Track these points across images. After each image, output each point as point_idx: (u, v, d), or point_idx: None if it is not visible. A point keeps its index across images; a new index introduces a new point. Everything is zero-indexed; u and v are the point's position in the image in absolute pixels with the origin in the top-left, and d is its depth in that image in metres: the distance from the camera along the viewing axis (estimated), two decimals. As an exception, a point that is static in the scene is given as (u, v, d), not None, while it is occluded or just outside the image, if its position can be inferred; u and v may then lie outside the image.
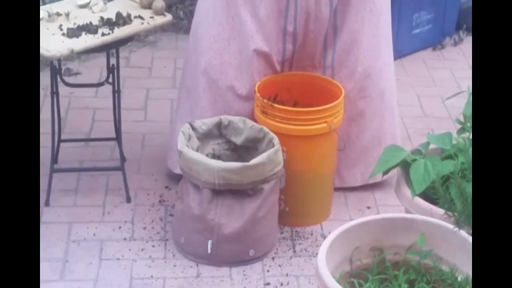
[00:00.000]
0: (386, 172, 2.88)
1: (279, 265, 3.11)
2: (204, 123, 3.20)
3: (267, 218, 3.09)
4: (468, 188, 2.19)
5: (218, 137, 3.23)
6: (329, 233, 2.55)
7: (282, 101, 3.33)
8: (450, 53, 4.85)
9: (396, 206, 2.99)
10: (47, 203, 3.35)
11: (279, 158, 3.05)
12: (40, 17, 3.17)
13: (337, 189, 3.47)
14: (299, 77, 3.36)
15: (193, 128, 3.17)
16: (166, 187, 3.51)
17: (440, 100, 4.19)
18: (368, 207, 3.46)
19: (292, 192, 3.25)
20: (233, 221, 3.03)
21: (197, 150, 3.12)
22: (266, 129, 3.13)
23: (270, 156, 3.00)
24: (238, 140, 3.20)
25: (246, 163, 2.96)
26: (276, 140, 3.07)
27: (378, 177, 3.31)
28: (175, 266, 3.09)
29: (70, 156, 3.66)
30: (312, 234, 3.28)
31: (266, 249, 3.14)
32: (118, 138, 3.47)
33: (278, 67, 3.30)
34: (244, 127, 3.18)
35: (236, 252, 3.07)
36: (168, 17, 3.32)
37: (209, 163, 2.96)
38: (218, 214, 3.02)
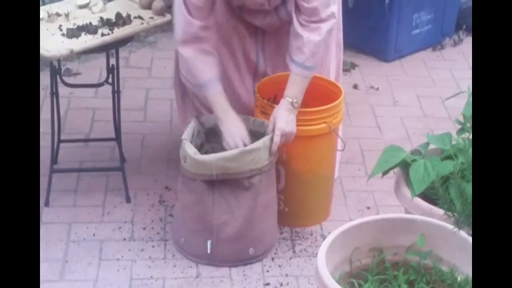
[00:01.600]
0: (385, 172, 2.87)
1: (279, 266, 3.11)
2: (211, 118, 3.20)
3: (265, 215, 3.09)
4: (468, 188, 2.19)
5: (219, 135, 3.23)
6: (329, 233, 2.55)
7: (282, 101, 3.33)
8: (449, 53, 4.85)
9: (396, 206, 2.99)
10: (47, 203, 3.35)
11: None
12: (40, 17, 3.17)
13: (336, 189, 3.47)
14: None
15: (200, 123, 3.16)
16: (166, 187, 3.51)
17: (440, 100, 4.19)
18: (368, 208, 3.46)
19: (292, 193, 3.25)
20: (232, 220, 3.03)
21: (201, 145, 3.15)
22: (267, 122, 3.13)
23: (266, 142, 3.01)
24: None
25: (243, 148, 2.98)
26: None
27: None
28: (174, 266, 3.09)
29: (70, 157, 3.66)
30: (311, 235, 3.28)
31: (265, 247, 3.14)
32: (117, 138, 3.47)
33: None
34: (246, 124, 3.19)
35: (236, 251, 3.07)
36: (168, 17, 3.33)
37: (204, 159, 2.96)
38: (216, 213, 3.02)
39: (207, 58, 3.09)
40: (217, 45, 3.17)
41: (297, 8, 3.04)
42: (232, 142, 3.08)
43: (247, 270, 3.08)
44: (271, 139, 3.04)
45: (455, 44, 4.92)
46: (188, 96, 3.41)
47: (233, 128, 3.10)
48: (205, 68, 3.09)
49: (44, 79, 3.64)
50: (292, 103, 3.07)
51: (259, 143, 3.01)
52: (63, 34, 3.12)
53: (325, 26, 3.04)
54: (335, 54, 3.46)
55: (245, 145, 3.07)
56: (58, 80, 3.41)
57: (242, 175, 2.99)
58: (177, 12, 3.05)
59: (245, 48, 3.29)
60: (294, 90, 3.08)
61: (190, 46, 3.06)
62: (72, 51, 3.05)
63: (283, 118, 3.05)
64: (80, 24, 3.18)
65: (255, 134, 3.17)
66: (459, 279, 2.39)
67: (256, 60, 3.33)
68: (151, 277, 3.03)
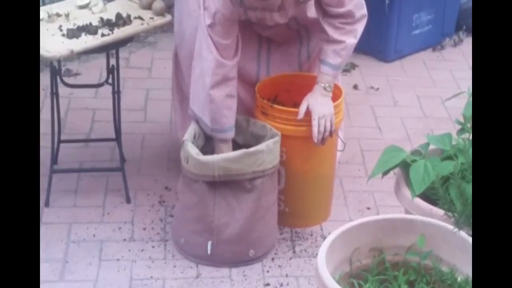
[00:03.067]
0: (386, 173, 2.87)
1: (279, 266, 3.11)
2: None
3: (266, 217, 3.09)
4: (468, 188, 2.19)
5: None
6: (329, 233, 2.55)
7: (282, 102, 3.34)
8: (450, 54, 4.85)
9: (396, 206, 2.99)
10: (47, 204, 3.35)
11: (278, 151, 3.06)
12: (40, 17, 3.17)
13: (336, 189, 3.47)
14: (299, 78, 3.36)
15: (201, 127, 3.17)
16: (166, 187, 3.51)
17: (440, 101, 4.19)
18: (368, 208, 3.46)
19: (292, 193, 3.25)
20: (233, 222, 3.03)
21: (203, 148, 3.14)
22: (268, 125, 3.13)
23: (269, 146, 3.01)
24: (241, 139, 3.20)
25: (246, 150, 2.98)
26: (277, 134, 3.07)
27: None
28: (175, 266, 3.09)
29: (70, 157, 3.66)
30: (311, 235, 3.28)
31: (266, 249, 3.14)
32: (118, 138, 3.47)
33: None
34: (247, 126, 3.19)
35: (236, 253, 3.07)
36: (168, 17, 3.33)
37: (207, 160, 2.96)
38: (217, 215, 3.02)
39: (232, 104, 3.10)
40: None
41: (327, 14, 3.05)
42: None
43: (247, 270, 3.08)
44: (276, 142, 3.04)
45: (455, 44, 4.92)
46: (188, 101, 3.40)
47: None
48: (228, 115, 3.09)
49: (44, 79, 3.64)
50: (325, 88, 3.09)
51: (262, 146, 3.00)
52: (63, 35, 3.12)
53: (359, 28, 3.11)
54: None
55: None
56: (58, 80, 3.41)
57: (244, 177, 2.99)
58: (206, 55, 3.03)
59: (245, 60, 3.29)
60: (326, 78, 3.11)
61: (220, 90, 3.05)
62: (72, 51, 3.05)
63: (318, 102, 3.07)
64: (80, 24, 3.18)
65: (255, 137, 3.17)
66: (459, 279, 2.39)
67: (257, 72, 3.32)
68: (151, 277, 3.03)
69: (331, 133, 3.09)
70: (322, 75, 3.12)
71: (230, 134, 3.13)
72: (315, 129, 3.05)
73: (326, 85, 3.10)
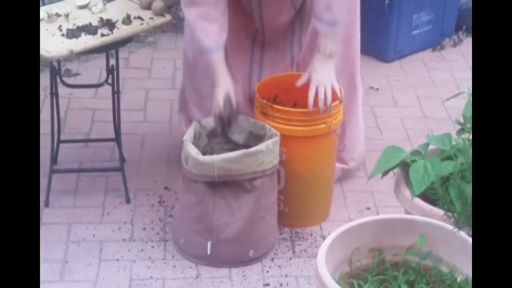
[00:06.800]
0: (385, 173, 2.87)
1: (279, 266, 3.11)
2: (211, 120, 3.20)
3: (266, 217, 3.09)
4: (468, 189, 2.19)
5: (220, 135, 3.23)
6: (329, 234, 2.55)
7: (281, 102, 3.34)
8: (449, 54, 4.85)
9: (396, 207, 2.99)
10: (46, 204, 3.35)
11: (277, 151, 3.06)
12: (40, 18, 3.17)
13: (336, 189, 3.47)
14: (299, 78, 3.36)
15: (202, 126, 3.17)
16: (166, 188, 3.51)
17: (440, 101, 4.19)
18: (368, 208, 3.46)
19: (292, 193, 3.26)
20: (233, 222, 3.03)
21: (204, 147, 3.14)
22: (268, 126, 3.13)
23: (269, 146, 3.01)
24: (241, 139, 3.20)
25: (246, 150, 2.98)
26: (276, 134, 3.07)
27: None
28: (174, 267, 3.09)
29: (70, 157, 3.66)
30: (311, 235, 3.28)
31: (265, 249, 3.14)
32: (117, 139, 3.47)
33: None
34: (247, 125, 3.19)
35: (236, 253, 3.07)
36: (168, 17, 3.33)
37: (207, 160, 2.96)
38: (217, 215, 3.02)
39: (205, 27, 3.06)
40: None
41: None
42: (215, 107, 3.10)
43: (247, 270, 3.08)
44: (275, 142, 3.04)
45: (455, 44, 4.92)
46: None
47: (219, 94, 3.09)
48: (202, 37, 3.08)
49: (44, 79, 3.64)
50: (323, 53, 3.06)
51: (262, 146, 3.01)
52: (63, 35, 3.12)
53: None
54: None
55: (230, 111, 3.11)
56: (58, 80, 3.42)
57: (244, 177, 2.99)
58: None
59: (238, 69, 3.30)
60: (325, 42, 3.06)
61: (191, 11, 3.08)
62: (72, 51, 3.05)
63: (316, 69, 3.05)
64: (80, 24, 3.18)
65: (255, 137, 3.17)
66: (458, 279, 2.39)
67: (249, 79, 3.33)
68: (151, 277, 3.03)
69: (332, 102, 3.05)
70: (319, 38, 3.09)
71: (213, 56, 3.09)
72: (310, 98, 3.03)
73: (327, 51, 3.05)
